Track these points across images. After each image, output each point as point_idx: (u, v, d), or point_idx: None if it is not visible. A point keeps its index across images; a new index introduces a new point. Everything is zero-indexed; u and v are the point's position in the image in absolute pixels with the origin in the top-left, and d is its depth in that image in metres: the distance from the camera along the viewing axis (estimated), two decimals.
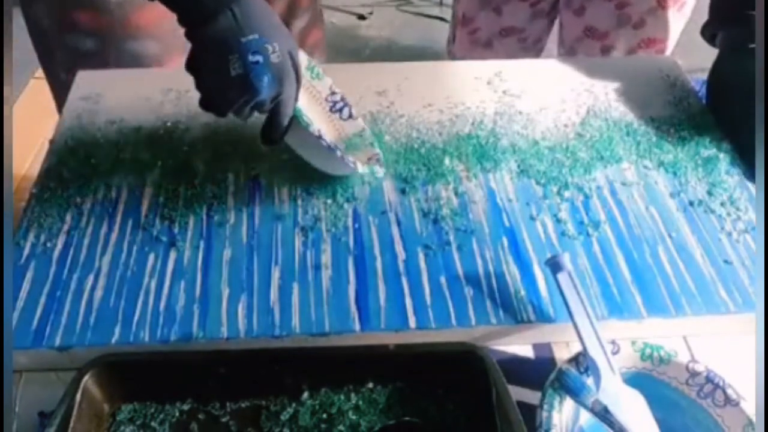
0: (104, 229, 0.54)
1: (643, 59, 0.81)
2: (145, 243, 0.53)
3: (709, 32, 0.69)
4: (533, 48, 1.05)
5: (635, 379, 0.45)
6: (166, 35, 0.75)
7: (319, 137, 0.51)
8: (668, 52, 0.94)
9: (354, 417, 0.45)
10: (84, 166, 0.60)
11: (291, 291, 0.50)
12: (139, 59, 0.75)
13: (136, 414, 0.45)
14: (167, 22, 0.73)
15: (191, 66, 0.50)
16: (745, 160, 0.63)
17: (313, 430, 0.45)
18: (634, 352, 0.46)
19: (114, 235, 0.54)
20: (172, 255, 0.52)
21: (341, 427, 0.45)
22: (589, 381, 0.43)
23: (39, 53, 0.81)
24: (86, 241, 0.53)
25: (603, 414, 0.41)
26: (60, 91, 0.80)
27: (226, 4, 0.47)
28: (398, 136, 0.64)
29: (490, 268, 0.52)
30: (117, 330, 0.47)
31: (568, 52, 0.99)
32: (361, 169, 0.54)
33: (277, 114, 0.51)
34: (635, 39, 0.91)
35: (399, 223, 0.56)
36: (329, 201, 0.57)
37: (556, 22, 1.04)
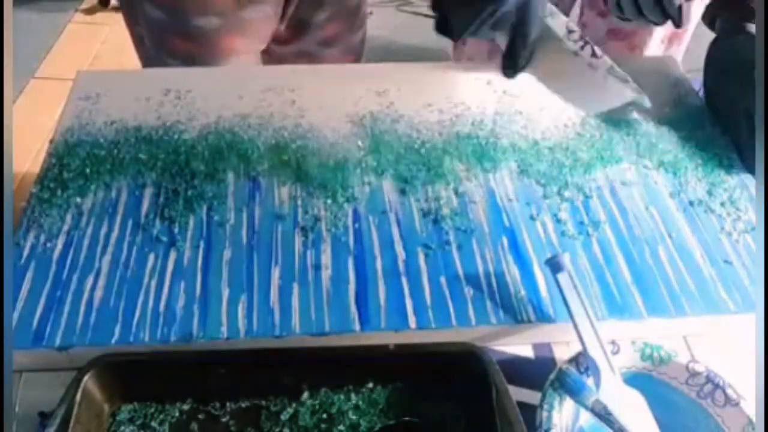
0: (104, 229, 0.54)
1: (643, 59, 0.81)
2: (145, 243, 0.53)
3: (709, 17, 0.69)
4: None
5: (635, 379, 0.45)
6: (229, 12, 0.77)
7: (578, 54, 0.44)
8: (688, 40, 0.93)
9: (354, 417, 0.45)
10: (84, 166, 0.60)
11: (291, 291, 0.50)
12: (201, 33, 0.78)
13: (136, 414, 0.45)
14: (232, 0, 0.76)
15: None
16: (738, 143, 0.64)
17: (313, 430, 0.45)
18: (634, 352, 0.46)
19: (114, 235, 0.54)
20: (172, 255, 0.52)
21: (341, 427, 0.45)
22: (589, 381, 0.43)
23: (123, 8, 0.85)
24: (86, 241, 0.53)
25: (603, 414, 0.41)
26: (140, 47, 0.85)
27: None
28: (398, 136, 0.64)
29: (490, 268, 0.52)
30: (117, 330, 0.47)
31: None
32: (630, 96, 0.46)
33: (523, 26, 0.45)
34: (660, 35, 0.91)
35: (399, 223, 0.56)
36: (329, 201, 0.57)
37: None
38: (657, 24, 0.67)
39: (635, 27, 0.73)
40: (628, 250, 0.54)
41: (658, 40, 0.91)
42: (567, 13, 1.01)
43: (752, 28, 0.63)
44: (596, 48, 0.54)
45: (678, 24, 0.65)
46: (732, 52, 0.63)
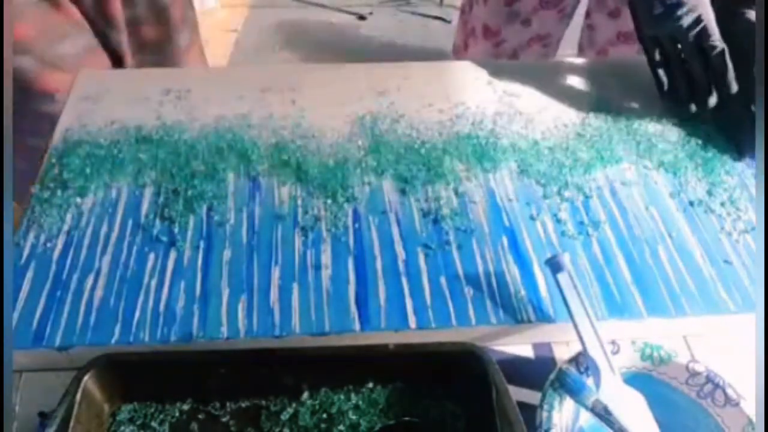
0: (104, 229, 0.54)
1: (643, 59, 0.81)
2: (145, 243, 0.53)
3: None
4: (555, 47, 1.05)
5: (635, 379, 0.45)
6: (41, 51, 0.73)
7: None
8: None
9: (354, 417, 0.45)
10: (84, 166, 0.60)
11: (291, 291, 0.50)
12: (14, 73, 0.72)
13: (136, 414, 0.45)
14: (42, 39, 0.72)
15: None
16: (734, 130, 0.64)
17: (313, 430, 0.45)
18: (634, 352, 0.46)
19: (114, 235, 0.54)
20: (172, 255, 0.52)
21: (341, 427, 0.45)
22: (589, 381, 0.43)
23: None
24: (86, 241, 0.53)
25: (603, 414, 0.41)
26: None
27: None
28: (398, 136, 0.64)
29: (490, 268, 0.52)
30: (117, 330, 0.47)
31: (599, 53, 0.98)
32: None
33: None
34: None
35: (399, 223, 0.56)
36: (329, 201, 0.57)
37: (580, 22, 1.02)
38: (699, 83, 0.63)
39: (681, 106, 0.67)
40: (628, 250, 0.54)
41: None
42: (571, 14, 1.01)
43: (750, 14, 0.63)
44: None
45: (720, 78, 0.61)
46: (728, 38, 0.63)
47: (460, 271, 0.52)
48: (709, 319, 0.50)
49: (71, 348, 0.46)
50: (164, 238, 0.54)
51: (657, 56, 0.66)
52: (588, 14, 0.99)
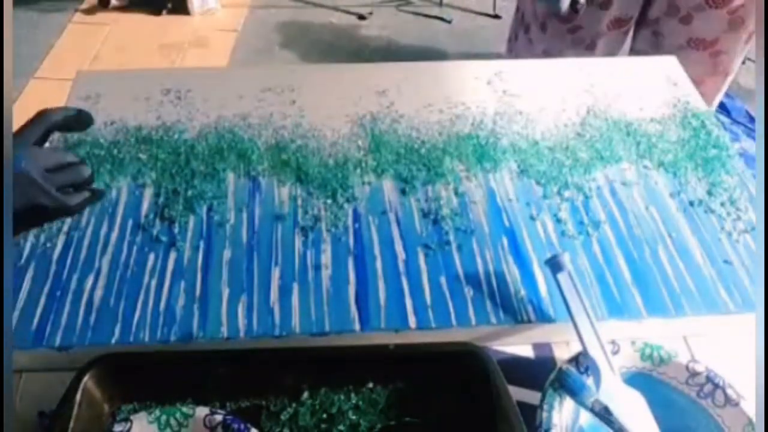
0: (104, 229, 0.54)
1: (643, 59, 0.81)
2: (145, 243, 0.53)
3: None
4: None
5: (635, 379, 0.45)
6: None
7: None
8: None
9: (354, 417, 0.45)
10: None
11: (291, 291, 0.50)
12: None
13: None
14: None
15: None
16: None
17: (313, 430, 0.45)
18: (634, 352, 0.46)
19: (114, 235, 0.54)
20: (172, 255, 0.52)
21: (341, 427, 0.45)
22: (589, 381, 0.43)
23: None
24: (86, 241, 0.53)
25: (603, 414, 0.41)
26: None
27: None
28: (398, 136, 0.64)
29: (490, 268, 0.52)
30: (117, 330, 0.47)
31: None
32: None
33: None
34: (744, 35, 0.89)
35: (399, 223, 0.56)
36: (329, 201, 0.57)
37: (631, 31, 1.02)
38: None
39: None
40: (628, 250, 0.54)
41: (742, 42, 0.89)
42: (629, 30, 0.99)
43: None
44: None
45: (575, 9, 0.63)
46: None
47: (460, 271, 0.52)
48: (709, 319, 0.50)
49: (71, 348, 0.46)
50: (164, 238, 0.54)
51: None
52: (656, 21, 0.97)
